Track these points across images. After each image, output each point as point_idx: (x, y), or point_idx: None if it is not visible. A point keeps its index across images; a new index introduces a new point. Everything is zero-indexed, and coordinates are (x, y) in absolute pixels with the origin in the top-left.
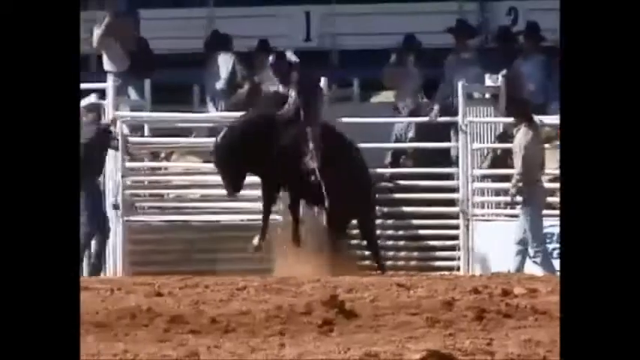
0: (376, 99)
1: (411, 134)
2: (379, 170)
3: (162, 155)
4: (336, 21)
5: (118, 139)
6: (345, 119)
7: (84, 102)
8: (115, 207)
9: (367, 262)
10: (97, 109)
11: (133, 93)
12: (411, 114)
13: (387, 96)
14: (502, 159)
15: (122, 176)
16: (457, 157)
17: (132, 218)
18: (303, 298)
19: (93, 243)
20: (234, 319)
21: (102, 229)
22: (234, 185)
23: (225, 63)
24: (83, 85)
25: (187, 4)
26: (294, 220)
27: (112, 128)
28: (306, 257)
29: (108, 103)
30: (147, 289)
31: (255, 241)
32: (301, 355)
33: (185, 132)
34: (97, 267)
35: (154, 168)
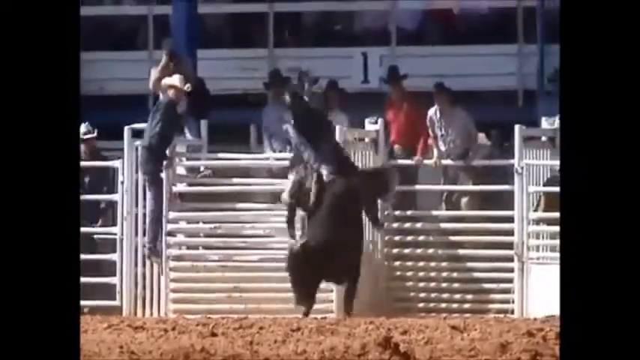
0: None
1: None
2: (434, 212)
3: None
4: (394, 63)
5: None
6: (400, 160)
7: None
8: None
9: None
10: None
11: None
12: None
13: None
14: (557, 202)
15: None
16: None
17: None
18: (358, 340)
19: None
20: None
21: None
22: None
23: None
24: (141, 125)
25: (246, 44)
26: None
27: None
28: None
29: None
30: (201, 329)
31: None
32: None
33: (242, 172)
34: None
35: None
